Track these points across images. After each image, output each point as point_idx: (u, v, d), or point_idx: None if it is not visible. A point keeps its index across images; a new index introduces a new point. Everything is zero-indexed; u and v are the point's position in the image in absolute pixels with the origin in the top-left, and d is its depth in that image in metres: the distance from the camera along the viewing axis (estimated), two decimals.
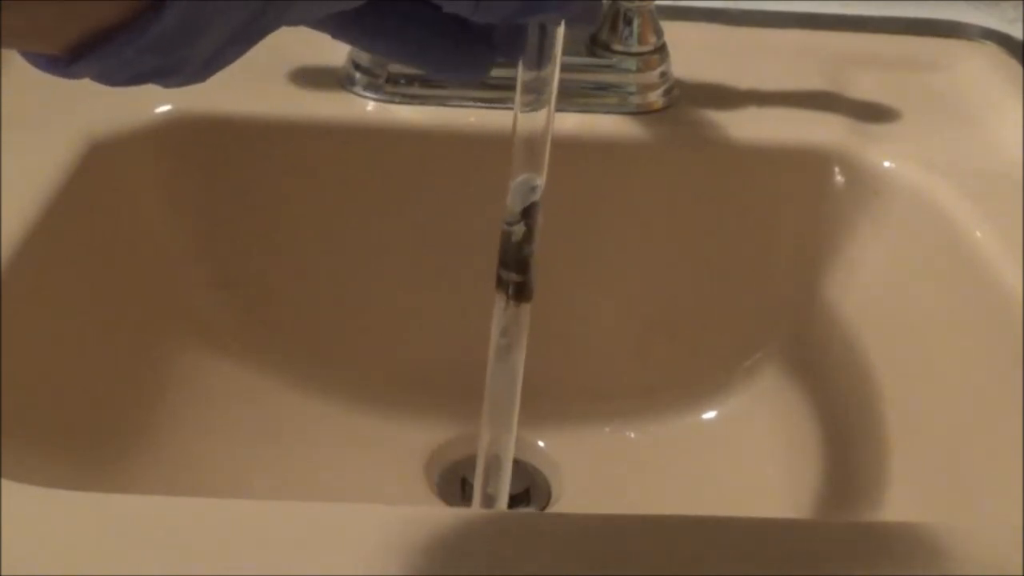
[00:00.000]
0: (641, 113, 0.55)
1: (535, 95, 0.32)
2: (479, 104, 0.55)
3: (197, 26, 0.23)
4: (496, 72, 0.57)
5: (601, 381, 0.58)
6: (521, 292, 0.35)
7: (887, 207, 0.53)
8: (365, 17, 0.27)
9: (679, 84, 0.57)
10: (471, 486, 0.53)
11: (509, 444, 0.38)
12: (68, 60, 0.22)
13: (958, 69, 0.61)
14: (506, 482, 0.39)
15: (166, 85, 0.24)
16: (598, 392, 0.58)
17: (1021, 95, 0.58)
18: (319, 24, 0.27)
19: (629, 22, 0.55)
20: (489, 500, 0.39)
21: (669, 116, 0.56)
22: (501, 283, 0.35)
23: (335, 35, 0.28)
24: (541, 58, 0.31)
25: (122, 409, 0.49)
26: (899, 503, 0.46)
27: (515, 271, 0.35)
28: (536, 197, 0.33)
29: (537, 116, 0.32)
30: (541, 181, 0.33)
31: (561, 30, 0.31)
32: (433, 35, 0.28)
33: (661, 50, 0.56)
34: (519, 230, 0.34)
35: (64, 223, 0.47)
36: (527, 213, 0.34)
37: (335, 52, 0.56)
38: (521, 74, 0.31)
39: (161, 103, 0.53)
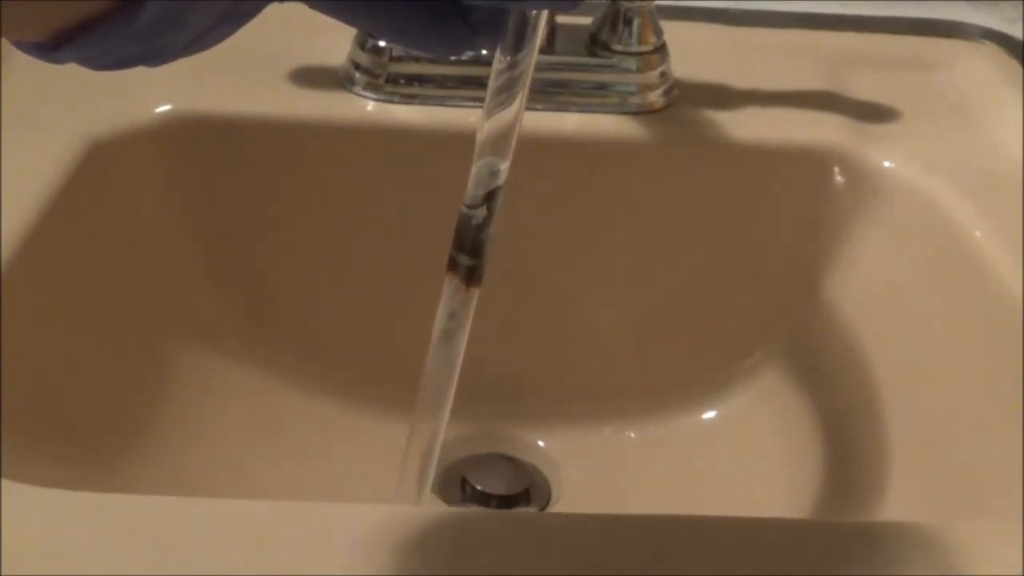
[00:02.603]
0: (641, 113, 0.55)
1: (510, 92, 0.32)
2: (479, 104, 0.54)
3: (180, 15, 0.23)
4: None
5: (601, 381, 0.58)
6: (472, 276, 0.35)
7: (887, 207, 0.53)
8: None
9: (679, 84, 0.57)
10: (471, 486, 0.53)
11: (439, 429, 0.37)
12: (53, 46, 0.23)
13: (958, 69, 0.61)
14: (431, 469, 0.38)
15: (150, 66, 0.25)
16: (598, 392, 0.58)
17: (1021, 95, 0.58)
18: None
19: (629, 22, 0.55)
20: (416, 493, 0.39)
21: (669, 116, 0.56)
22: (454, 266, 0.35)
23: (312, 4, 0.28)
24: (519, 44, 0.31)
25: (122, 409, 0.49)
26: (899, 503, 0.46)
27: (470, 254, 0.34)
28: (500, 182, 0.33)
29: (510, 104, 0.32)
30: (505, 166, 0.33)
31: (543, 16, 0.31)
32: (410, 10, 0.28)
33: (661, 50, 0.56)
34: (480, 214, 0.34)
35: (64, 223, 0.47)
36: (490, 197, 0.33)
37: (335, 52, 0.56)
38: (497, 59, 0.31)
39: (161, 103, 0.53)
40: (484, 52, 0.31)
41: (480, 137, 0.33)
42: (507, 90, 0.32)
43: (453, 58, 0.54)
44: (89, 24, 0.22)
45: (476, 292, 0.35)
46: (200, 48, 0.25)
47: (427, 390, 0.37)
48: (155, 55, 0.24)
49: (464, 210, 0.34)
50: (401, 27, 0.28)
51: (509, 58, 0.31)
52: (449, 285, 0.35)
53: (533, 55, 0.31)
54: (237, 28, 0.25)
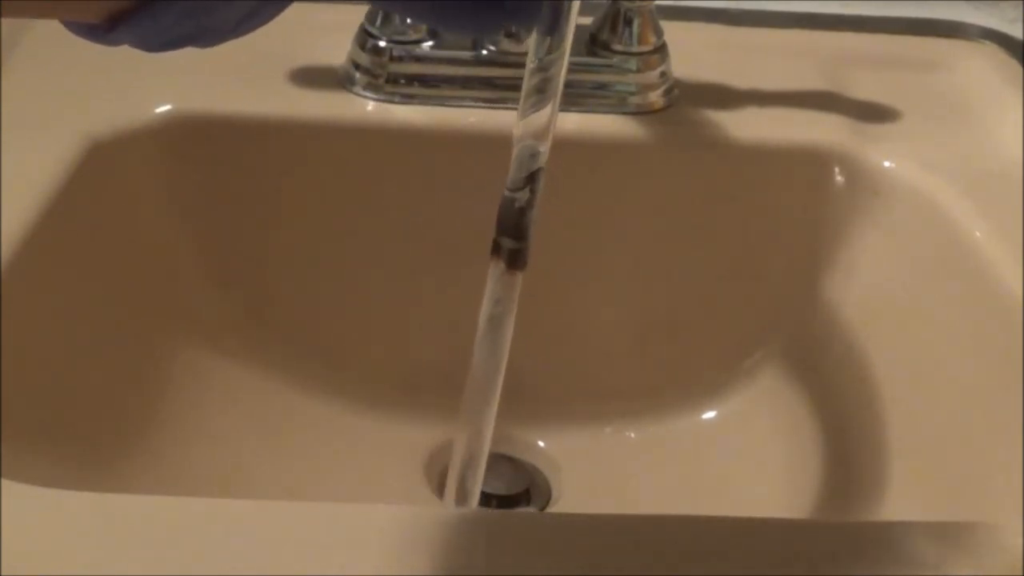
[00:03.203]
0: (641, 113, 0.55)
1: (540, 96, 0.32)
2: (479, 104, 0.55)
3: None
4: (496, 72, 0.57)
5: (601, 381, 0.58)
6: (516, 259, 0.35)
7: (887, 207, 0.53)
8: None
9: (679, 84, 0.57)
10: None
11: (489, 422, 0.37)
12: (107, 27, 0.23)
13: (958, 69, 0.61)
14: (481, 468, 0.38)
15: (201, 47, 0.25)
16: (598, 392, 0.58)
17: (1021, 95, 0.58)
18: None
19: (629, 22, 0.55)
20: (464, 492, 0.39)
21: (669, 116, 0.56)
22: (498, 250, 0.35)
23: None
24: (554, 28, 0.31)
25: (122, 409, 0.49)
26: (899, 503, 0.46)
27: (514, 238, 0.34)
28: (541, 163, 0.33)
29: (544, 105, 0.32)
30: (544, 148, 0.33)
31: (576, 5, 0.31)
32: None
33: (661, 50, 0.56)
34: (523, 196, 0.34)
35: (64, 223, 0.47)
36: (531, 179, 0.34)
37: (335, 52, 0.56)
38: (529, 60, 0.31)
39: (161, 103, 0.53)
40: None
41: (520, 110, 0.32)
42: (540, 92, 0.32)
43: (453, 58, 0.54)
44: (143, 4, 0.23)
45: (520, 276, 0.35)
46: (250, 28, 0.25)
47: (475, 379, 0.37)
48: (206, 34, 0.24)
49: (507, 193, 0.34)
50: (436, 7, 0.28)
51: (539, 59, 0.31)
52: (494, 270, 0.35)
53: (566, 50, 0.31)
54: (283, 7, 0.25)
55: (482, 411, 0.37)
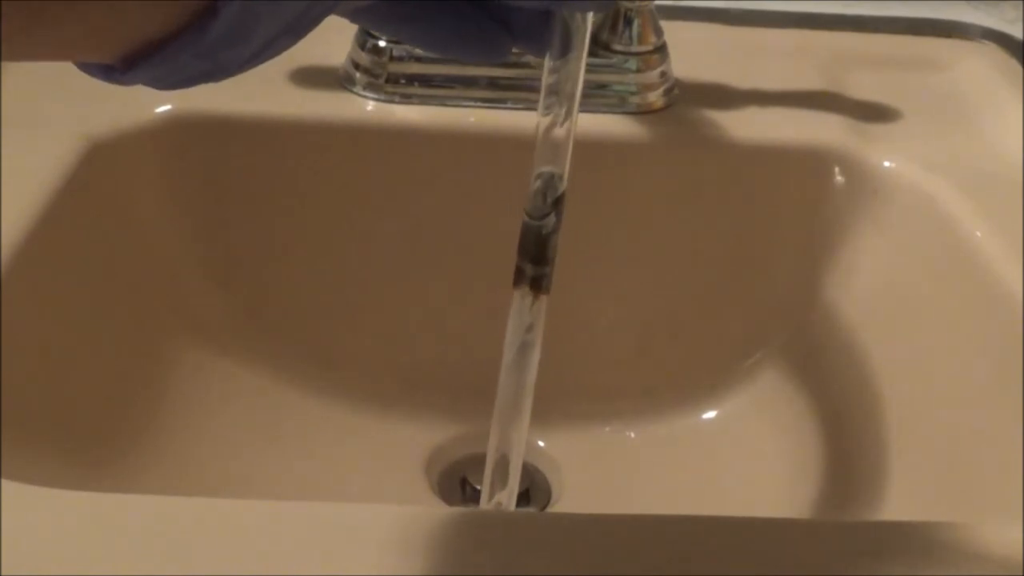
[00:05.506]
0: (641, 113, 0.55)
1: (556, 97, 0.32)
2: (479, 104, 0.55)
3: (249, 26, 0.23)
4: (497, 72, 0.57)
5: (601, 381, 0.58)
6: (542, 284, 0.35)
7: (887, 207, 0.53)
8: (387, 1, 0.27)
9: (679, 84, 0.57)
10: (471, 486, 0.53)
11: (520, 444, 0.37)
12: (123, 68, 0.23)
13: (958, 69, 0.61)
14: (515, 484, 0.38)
15: (213, 82, 0.25)
16: (598, 392, 0.58)
17: (1021, 95, 0.58)
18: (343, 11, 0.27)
19: (629, 22, 0.55)
20: (497, 504, 0.39)
21: (669, 116, 0.56)
22: (523, 277, 0.35)
23: (354, 19, 0.28)
24: (566, 49, 0.31)
25: (122, 409, 0.49)
26: (899, 502, 0.46)
27: (538, 264, 0.35)
28: (563, 188, 0.33)
29: (560, 111, 0.32)
30: (561, 172, 0.33)
31: (589, 19, 0.31)
32: (451, 20, 0.28)
33: (661, 50, 0.56)
34: (549, 222, 0.34)
35: (64, 223, 0.47)
36: (555, 205, 0.34)
37: (335, 52, 0.56)
38: (546, 65, 0.31)
39: (161, 103, 0.53)
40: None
41: (537, 136, 0.33)
42: (557, 92, 0.32)
43: (454, 58, 0.54)
44: (158, 44, 0.22)
45: (546, 299, 0.35)
46: (259, 61, 0.25)
47: (505, 404, 0.37)
48: (218, 71, 0.24)
49: (529, 221, 0.34)
50: (444, 38, 0.28)
51: (555, 62, 0.31)
52: (523, 298, 0.35)
53: (582, 60, 0.31)
54: (296, 40, 0.25)
55: (512, 432, 0.37)
